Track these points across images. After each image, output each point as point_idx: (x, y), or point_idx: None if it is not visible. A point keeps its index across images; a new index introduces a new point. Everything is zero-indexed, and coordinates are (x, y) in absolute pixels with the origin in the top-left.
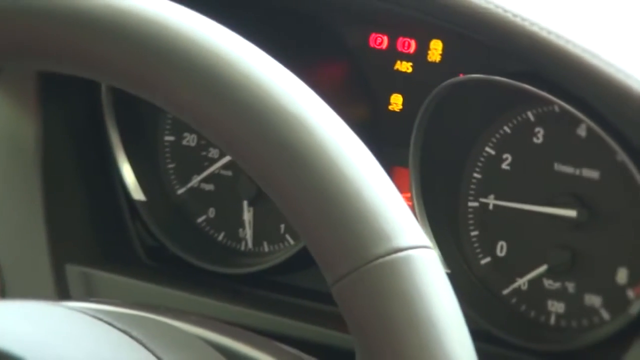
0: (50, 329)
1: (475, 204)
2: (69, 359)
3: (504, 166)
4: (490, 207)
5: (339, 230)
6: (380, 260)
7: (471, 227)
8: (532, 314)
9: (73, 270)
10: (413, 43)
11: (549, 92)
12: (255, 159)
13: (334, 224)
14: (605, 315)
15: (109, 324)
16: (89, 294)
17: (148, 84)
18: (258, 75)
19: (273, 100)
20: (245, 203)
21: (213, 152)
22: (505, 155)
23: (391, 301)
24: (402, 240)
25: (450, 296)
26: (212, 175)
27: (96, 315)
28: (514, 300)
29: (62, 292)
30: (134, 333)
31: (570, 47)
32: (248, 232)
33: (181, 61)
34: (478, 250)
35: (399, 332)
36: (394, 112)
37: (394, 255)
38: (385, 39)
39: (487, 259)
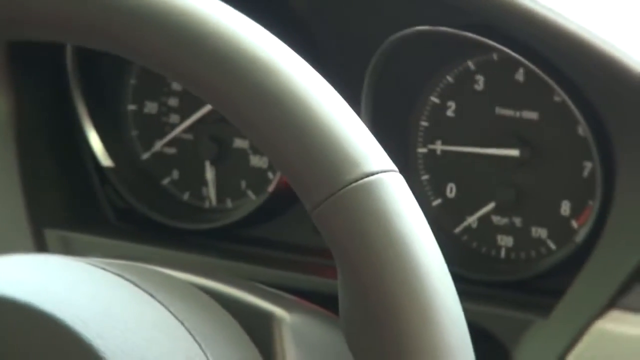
0: (50, 276)
1: (424, 150)
2: (71, 301)
3: (449, 113)
4: (438, 152)
5: (314, 161)
6: (354, 184)
7: (422, 172)
8: (484, 249)
9: (51, 234)
10: None
11: (491, 39)
12: (233, 103)
13: (309, 156)
14: (552, 245)
15: (103, 269)
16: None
17: (120, 39)
18: (228, 28)
19: (244, 48)
20: (207, 163)
21: (173, 118)
22: (449, 103)
23: (367, 220)
24: (372, 165)
25: (419, 214)
26: (173, 139)
27: (90, 262)
28: (465, 237)
29: None
30: (127, 276)
31: None
32: (211, 190)
33: (155, 15)
34: (429, 193)
35: (376, 246)
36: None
37: (366, 179)
38: None
39: (438, 201)
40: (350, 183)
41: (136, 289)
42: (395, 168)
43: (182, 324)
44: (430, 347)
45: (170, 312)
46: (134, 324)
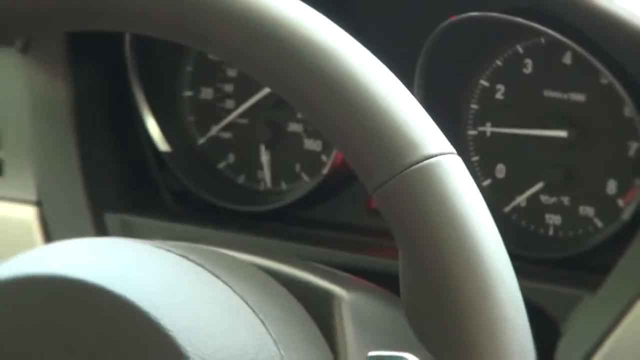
0: (118, 259)
1: (474, 132)
2: (139, 282)
3: (498, 96)
4: (488, 134)
5: (376, 144)
6: (415, 166)
7: (472, 153)
8: (532, 227)
9: (111, 218)
10: None
11: (538, 23)
12: (297, 89)
13: (372, 139)
14: (599, 223)
15: (168, 250)
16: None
17: (189, 28)
18: (291, 17)
19: (308, 36)
20: (262, 147)
21: (229, 103)
22: (498, 86)
23: (428, 201)
24: (432, 148)
25: (477, 195)
26: (229, 124)
27: (155, 245)
28: (514, 216)
29: None
30: (191, 257)
31: None
32: (266, 173)
33: (224, 10)
34: (480, 174)
35: (437, 227)
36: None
37: (426, 162)
38: None
39: (488, 181)
40: (412, 165)
41: (201, 269)
42: (454, 150)
43: (246, 302)
44: (490, 322)
45: (235, 291)
46: (199, 303)
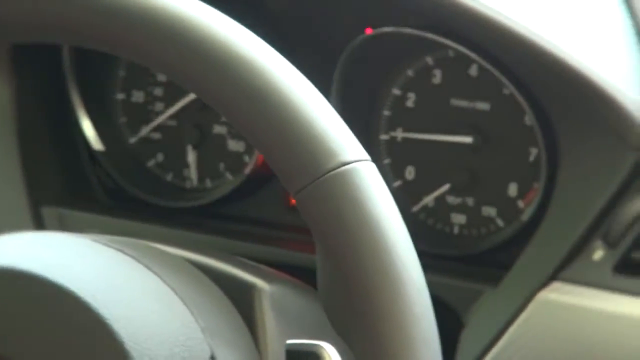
0: (60, 252)
1: (386, 136)
2: (80, 274)
3: (409, 104)
4: (399, 138)
5: (297, 151)
6: (333, 172)
7: (384, 156)
8: (438, 226)
9: (48, 212)
10: None
11: (448, 38)
12: (225, 99)
13: (293, 146)
14: (501, 223)
15: (106, 244)
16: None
17: (118, 41)
18: (216, 31)
19: (233, 48)
20: (189, 147)
21: (159, 106)
22: (409, 95)
23: (344, 204)
24: (348, 155)
25: (389, 198)
26: (158, 125)
27: (94, 239)
28: (422, 215)
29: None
30: (127, 251)
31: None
32: (193, 172)
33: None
34: (391, 175)
35: (351, 227)
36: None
37: (343, 168)
38: None
39: (399, 182)
40: (329, 171)
41: (135, 262)
42: (369, 157)
43: (176, 293)
44: (399, 316)
45: (165, 282)
46: (134, 293)
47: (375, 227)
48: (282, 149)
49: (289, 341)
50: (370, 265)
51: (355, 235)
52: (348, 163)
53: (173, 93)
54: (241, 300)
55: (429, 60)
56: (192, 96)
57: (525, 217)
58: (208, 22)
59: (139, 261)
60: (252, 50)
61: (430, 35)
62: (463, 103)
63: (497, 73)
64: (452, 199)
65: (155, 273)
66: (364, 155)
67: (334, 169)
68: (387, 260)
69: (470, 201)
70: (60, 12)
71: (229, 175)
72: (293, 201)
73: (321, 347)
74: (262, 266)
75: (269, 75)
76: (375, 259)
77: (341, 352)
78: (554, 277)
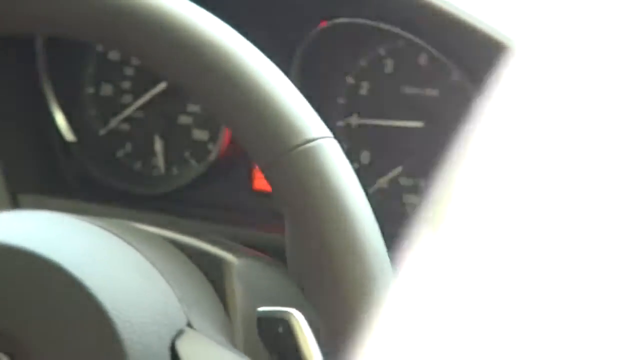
0: (48, 228)
1: (342, 123)
2: (66, 248)
3: (363, 92)
4: (354, 125)
5: (266, 129)
6: (298, 148)
7: (340, 142)
8: (393, 206)
9: (25, 199)
10: None
11: (401, 28)
12: (198, 83)
13: (262, 123)
14: None
15: (88, 222)
16: None
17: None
18: (185, 16)
19: (204, 34)
20: (156, 137)
21: (126, 99)
22: (363, 83)
23: (309, 177)
24: (312, 132)
25: (350, 170)
26: (127, 117)
27: (77, 217)
28: (377, 197)
29: None
30: (108, 227)
31: None
32: (160, 160)
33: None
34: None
35: (318, 198)
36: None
37: (308, 145)
38: None
39: (355, 166)
40: (295, 147)
41: (117, 238)
42: (332, 135)
43: (155, 266)
44: (359, 278)
45: (145, 257)
46: (116, 266)
47: (339, 195)
48: (252, 126)
49: (260, 309)
50: (334, 229)
51: (319, 200)
52: (314, 140)
53: (141, 86)
54: (212, 273)
55: (381, 50)
56: (159, 88)
57: None
58: (179, 10)
59: (120, 237)
60: (222, 35)
61: (382, 25)
62: (414, 90)
63: (445, 60)
64: (404, 181)
65: (135, 248)
66: (328, 132)
67: (302, 144)
68: (350, 225)
69: (422, 182)
70: None
71: (194, 163)
72: (256, 186)
73: (290, 313)
74: (233, 243)
75: (239, 59)
76: (339, 224)
77: (309, 321)
78: None
